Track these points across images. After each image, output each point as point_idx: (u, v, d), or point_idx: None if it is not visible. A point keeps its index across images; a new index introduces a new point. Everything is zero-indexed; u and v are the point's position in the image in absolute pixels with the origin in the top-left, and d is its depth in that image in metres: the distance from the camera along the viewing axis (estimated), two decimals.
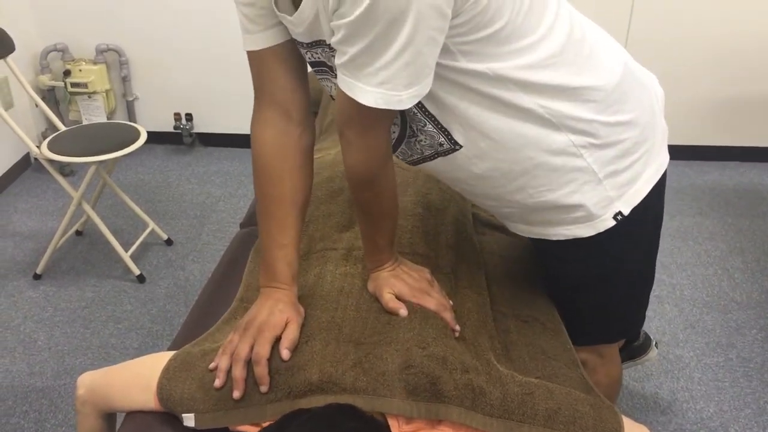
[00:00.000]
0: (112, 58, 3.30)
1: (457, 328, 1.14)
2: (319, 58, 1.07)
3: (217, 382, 1.04)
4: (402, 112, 1.08)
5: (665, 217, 1.28)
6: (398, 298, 1.14)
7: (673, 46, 3.06)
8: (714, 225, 2.80)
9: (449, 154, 1.11)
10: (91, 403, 1.16)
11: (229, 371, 1.05)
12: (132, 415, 1.12)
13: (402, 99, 0.94)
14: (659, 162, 1.19)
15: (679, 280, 2.46)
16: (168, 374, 1.08)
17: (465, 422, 1.01)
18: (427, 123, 1.07)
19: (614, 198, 1.14)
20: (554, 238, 1.19)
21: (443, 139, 1.09)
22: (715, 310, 2.31)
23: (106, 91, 3.28)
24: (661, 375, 2.05)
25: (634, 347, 1.87)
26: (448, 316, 1.15)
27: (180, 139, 3.47)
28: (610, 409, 1.08)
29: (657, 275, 1.34)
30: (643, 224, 1.20)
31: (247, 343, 1.06)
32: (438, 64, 0.96)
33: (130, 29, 3.23)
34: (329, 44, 0.98)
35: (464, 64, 0.98)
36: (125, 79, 3.32)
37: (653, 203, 1.19)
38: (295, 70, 1.12)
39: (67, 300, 2.39)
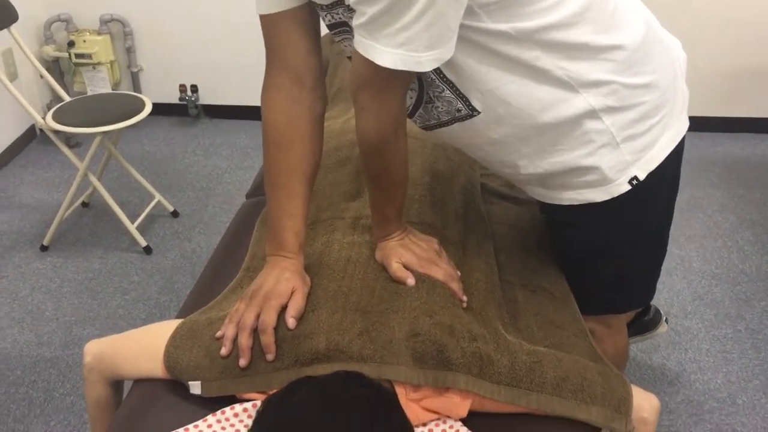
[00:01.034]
0: (117, 29, 3.27)
1: (465, 298, 1.13)
2: (339, 18, 1.05)
3: (224, 351, 1.04)
4: (419, 78, 1.07)
5: None
6: (406, 267, 1.13)
7: (685, 15, 3.00)
8: (724, 197, 2.77)
9: (467, 119, 1.09)
10: (98, 370, 1.16)
11: (235, 339, 1.05)
12: (139, 382, 1.12)
13: (422, 61, 0.92)
14: (678, 128, 1.17)
15: (689, 252, 2.44)
16: (175, 342, 1.08)
17: (472, 390, 1.01)
18: (445, 89, 1.06)
19: (630, 162, 1.12)
20: (567, 203, 1.18)
21: (461, 104, 1.07)
22: (724, 282, 2.30)
23: (111, 62, 3.25)
24: (669, 346, 2.04)
25: (644, 321, 1.85)
26: (456, 286, 1.14)
27: (185, 110, 3.45)
28: (619, 377, 1.08)
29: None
30: (658, 191, 1.19)
31: (253, 312, 1.05)
32: (461, 26, 0.95)
33: None
34: (349, 5, 0.96)
35: (488, 24, 0.96)
36: (130, 50, 3.29)
37: (670, 170, 1.17)
38: (309, 35, 1.10)
39: (74, 271, 2.40)
